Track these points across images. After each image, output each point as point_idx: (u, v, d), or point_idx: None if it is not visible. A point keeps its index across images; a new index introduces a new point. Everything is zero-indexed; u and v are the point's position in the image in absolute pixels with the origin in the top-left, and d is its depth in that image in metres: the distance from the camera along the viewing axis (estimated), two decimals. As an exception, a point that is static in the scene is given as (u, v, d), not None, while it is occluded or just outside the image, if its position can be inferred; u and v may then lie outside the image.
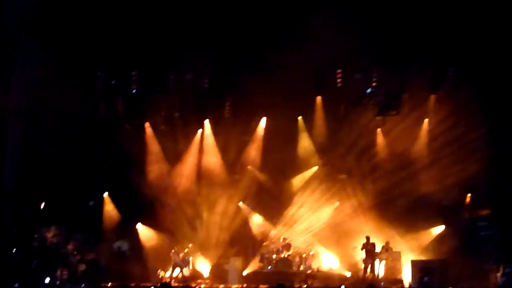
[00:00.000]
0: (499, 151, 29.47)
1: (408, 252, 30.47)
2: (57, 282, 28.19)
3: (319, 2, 28.22)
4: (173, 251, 30.42)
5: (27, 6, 27.78)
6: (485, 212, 30.69)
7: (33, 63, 27.94)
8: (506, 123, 29.42)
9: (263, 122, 32.23)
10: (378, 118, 31.25)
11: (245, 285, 29.09)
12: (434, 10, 28.13)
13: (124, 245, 32.05)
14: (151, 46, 29.48)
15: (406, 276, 29.54)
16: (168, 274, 30.31)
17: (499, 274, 27.58)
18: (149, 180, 31.67)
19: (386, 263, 30.01)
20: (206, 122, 32.20)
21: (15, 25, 28.09)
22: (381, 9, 28.47)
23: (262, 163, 32.29)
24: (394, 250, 30.12)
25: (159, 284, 25.27)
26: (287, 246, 30.77)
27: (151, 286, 25.67)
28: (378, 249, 29.88)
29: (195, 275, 31.10)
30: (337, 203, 31.58)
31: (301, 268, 30.41)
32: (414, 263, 29.29)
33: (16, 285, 24.72)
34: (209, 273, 31.48)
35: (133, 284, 27.42)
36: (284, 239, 31.08)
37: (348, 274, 30.71)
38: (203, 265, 31.58)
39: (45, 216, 30.71)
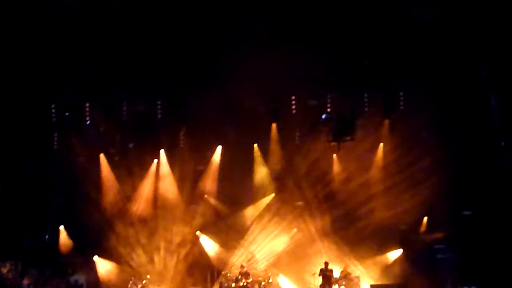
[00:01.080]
0: (453, 174, 29.68)
1: (367, 276, 30.65)
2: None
3: (272, 29, 28.31)
4: (130, 282, 30.06)
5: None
6: (441, 235, 30.91)
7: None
8: (460, 145, 29.65)
9: (218, 150, 32.13)
10: (333, 144, 31.33)
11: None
12: (384, 37, 28.42)
13: (80, 278, 31.61)
14: (102, 78, 29.46)
15: (366, 301, 29.72)
16: (126, 305, 30.06)
17: (457, 297, 27.87)
18: (104, 212, 31.37)
19: (344, 289, 30.15)
20: (162, 152, 32.02)
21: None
22: (334, 36, 28.69)
23: (219, 192, 32.21)
24: (352, 275, 30.21)
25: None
26: (246, 274, 30.48)
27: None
28: (336, 274, 30.00)
29: (154, 307, 31.01)
30: (294, 230, 31.58)
31: (261, 296, 30.34)
32: (373, 288, 29.49)
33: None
34: (168, 303, 31.37)
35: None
36: (242, 267, 30.82)
37: (307, 300, 30.78)
38: (162, 296, 31.43)
39: (0, 251, 30.32)
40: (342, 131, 30.96)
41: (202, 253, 31.88)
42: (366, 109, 31.06)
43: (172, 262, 31.26)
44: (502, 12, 26.95)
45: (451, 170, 29.49)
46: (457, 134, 29.60)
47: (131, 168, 31.45)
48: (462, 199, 30.33)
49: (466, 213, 30.59)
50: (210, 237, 31.93)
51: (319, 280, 29.74)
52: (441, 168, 29.28)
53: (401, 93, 30.71)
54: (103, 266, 31.48)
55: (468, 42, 28.05)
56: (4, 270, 29.90)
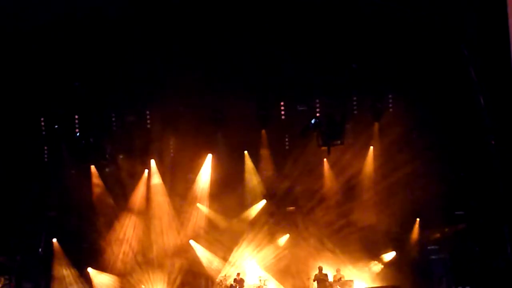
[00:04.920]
0: (445, 175, 29.73)
1: (361, 280, 30.64)
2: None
3: (260, 35, 28.33)
4: (125, 293, 30.30)
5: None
6: (434, 236, 30.99)
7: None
8: (450, 146, 29.68)
9: (209, 158, 32.12)
10: (323, 148, 31.34)
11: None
12: (372, 40, 28.38)
13: (75, 291, 31.76)
14: (91, 90, 29.51)
15: (360, 305, 29.74)
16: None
17: (452, 297, 27.92)
18: (97, 224, 31.39)
19: (339, 293, 30.17)
20: (152, 162, 32.03)
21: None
22: (321, 40, 28.68)
23: (210, 200, 32.13)
24: (346, 278, 30.24)
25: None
26: (240, 282, 30.56)
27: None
28: (331, 278, 30.04)
29: (150, 317, 31.04)
30: (287, 235, 31.62)
31: (255, 303, 30.34)
32: (368, 291, 29.56)
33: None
34: (162, 312, 31.36)
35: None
36: (237, 274, 30.81)
37: (302, 306, 30.79)
38: (157, 305, 31.44)
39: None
40: (331, 135, 30.94)
41: (196, 261, 31.79)
42: (355, 112, 31.17)
43: (166, 271, 31.22)
44: (489, 12, 26.96)
45: (442, 170, 29.55)
46: (447, 134, 29.58)
47: (122, 179, 31.48)
48: (454, 199, 30.36)
49: (458, 213, 30.59)
50: (203, 245, 31.88)
51: (313, 285, 29.83)
52: (432, 169, 29.27)
53: (390, 96, 30.80)
54: (98, 278, 31.47)
55: (455, 43, 28.00)
56: (-1, 286, 30.06)
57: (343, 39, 28.55)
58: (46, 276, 31.36)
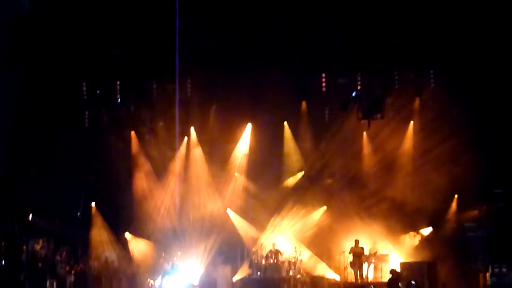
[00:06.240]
0: (484, 152, 29.48)
1: (397, 254, 30.62)
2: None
3: (301, 9, 28.21)
4: (162, 259, 30.40)
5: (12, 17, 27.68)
6: (472, 213, 30.81)
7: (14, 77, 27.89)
8: (491, 123, 29.43)
9: (248, 128, 32.21)
10: (363, 122, 31.19)
11: (234, 292, 29.33)
12: (415, 15, 28.16)
13: (112, 255, 32.02)
14: (133, 56, 29.57)
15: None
16: (157, 282, 30.24)
17: (488, 275, 27.69)
18: (136, 190, 31.66)
19: (374, 266, 30.13)
20: (192, 130, 32.15)
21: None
22: (364, 14, 28.52)
23: (249, 170, 32.27)
24: (382, 252, 30.28)
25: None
26: (276, 252, 30.69)
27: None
28: (366, 252, 30.04)
29: (185, 283, 31.19)
30: (324, 208, 31.62)
31: (291, 273, 30.13)
32: (403, 266, 29.38)
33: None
34: (199, 280, 31.43)
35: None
36: (273, 244, 31.00)
37: (337, 278, 30.72)
38: (192, 273, 31.52)
39: (33, 228, 30.73)
40: (372, 109, 30.76)
41: (232, 230, 31.97)
42: (396, 86, 30.89)
43: (203, 239, 31.34)
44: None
45: (481, 148, 29.27)
46: (488, 112, 29.32)
47: (161, 146, 31.61)
48: (492, 177, 30.11)
49: (497, 191, 30.37)
50: (240, 215, 32.04)
51: (349, 258, 29.87)
52: (471, 146, 29.04)
53: (432, 71, 30.53)
54: (134, 243, 31.80)
55: (502, 21, 27.75)
56: (37, 247, 30.40)
57: (386, 13, 28.37)
58: (84, 239, 31.81)
